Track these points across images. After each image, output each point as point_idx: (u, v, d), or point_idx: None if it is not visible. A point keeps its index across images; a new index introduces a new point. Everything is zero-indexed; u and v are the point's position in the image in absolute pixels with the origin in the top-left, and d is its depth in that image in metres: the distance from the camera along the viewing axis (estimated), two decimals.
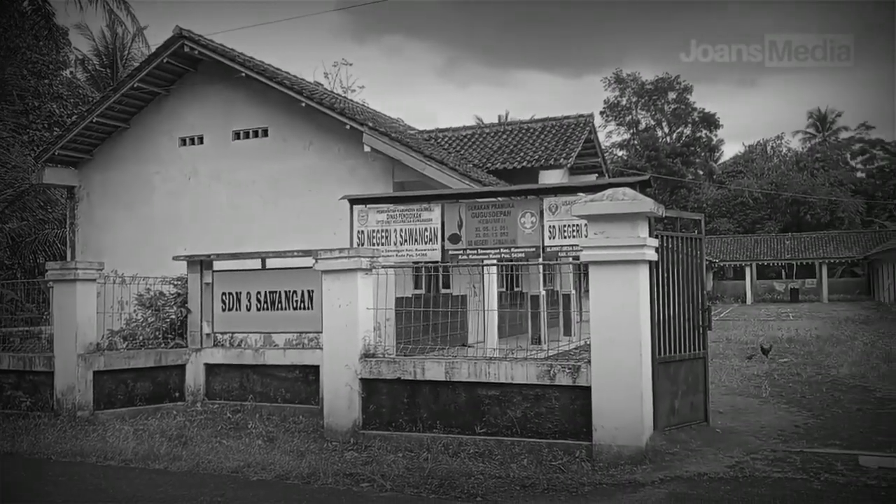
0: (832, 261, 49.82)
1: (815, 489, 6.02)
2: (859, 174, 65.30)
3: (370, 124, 14.40)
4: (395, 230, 10.73)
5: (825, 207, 57.22)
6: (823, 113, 69.51)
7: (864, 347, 16.56)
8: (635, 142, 67.78)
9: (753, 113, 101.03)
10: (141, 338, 10.45)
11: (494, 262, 10.91)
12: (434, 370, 7.94)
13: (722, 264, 51.61)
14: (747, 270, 50.70)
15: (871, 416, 9.15)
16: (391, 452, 7.52)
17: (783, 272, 54.64)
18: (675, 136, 69.01)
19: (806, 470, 6.56)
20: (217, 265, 10.61)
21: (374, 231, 10.85)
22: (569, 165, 21.55)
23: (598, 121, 66.49)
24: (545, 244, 10.51)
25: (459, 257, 10.69)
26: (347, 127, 14.38)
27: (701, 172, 67.28)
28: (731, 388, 11.29)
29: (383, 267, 8.86)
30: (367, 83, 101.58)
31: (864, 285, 51.61)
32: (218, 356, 10.37)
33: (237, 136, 16.06)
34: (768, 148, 68.49)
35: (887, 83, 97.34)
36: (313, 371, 9.62)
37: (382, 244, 10.67)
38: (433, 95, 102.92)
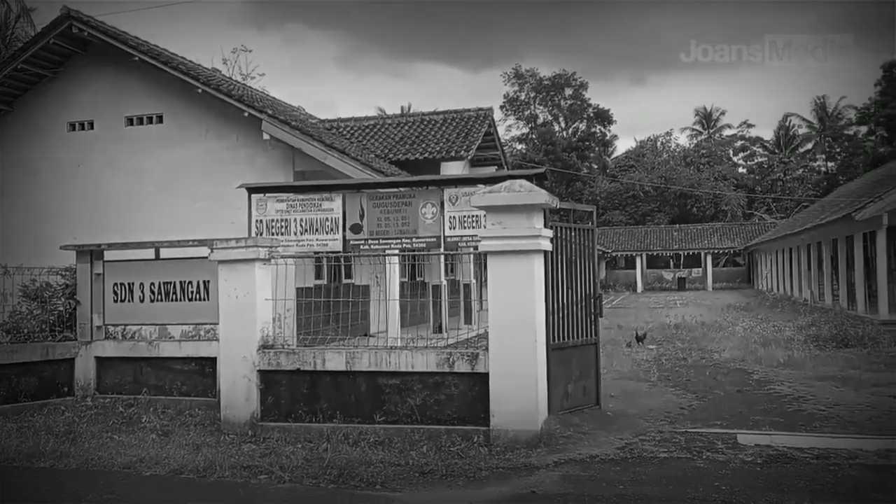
0: (716, 251, 52.62)
1: (697, 467, 6.39)
2: (741, 169, 69.01)
3: (269, 112, 14.14)
4: (296, 220, 10.59)
5: (710, 201, 60.31)
6: (709, 111, 73.04)
7: (743, 332, 17.60)
8: (533, 136, 69.17)
9: (644, 110, 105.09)
10: (26, 331, 9.93)
11: (396, 252, 10.95)
12: (335, 360, 7.93)
13: (614, 254, 53.53)
14: (638, 260, 52.83)
15: (749, 397, 9.77)
16: (290, 444, 7.48)
17: (671, 262, 57.18)
18: (571, 131, 70.85)
19: (690, 449, 6.95)
20: (108, 255, 10.20)
21: (273, 221, 10.68)
22: (469, 157, 21.86)
23: (497, 115, 67.25)
24: (446, 234, 10.63)
25: (361, 247, 10.67)
26: (246, 114, 14.07)
27: (595, 166, 69.43)
28: (622, 373, 11.79)
29: (282, 257, 8.76)
30: (268, 71, 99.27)
31: (744, 274, 54.71)
32: (109, 349, 10.00)
33: (130, 122, 15.44)
34: (658, 144, 71.31)
35: (765, 85, 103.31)
36: (210, 363, 9.42)
37: (282, 234, 10.52)
38: (334, 85, 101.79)
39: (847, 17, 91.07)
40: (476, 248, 9.36)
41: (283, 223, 10.57)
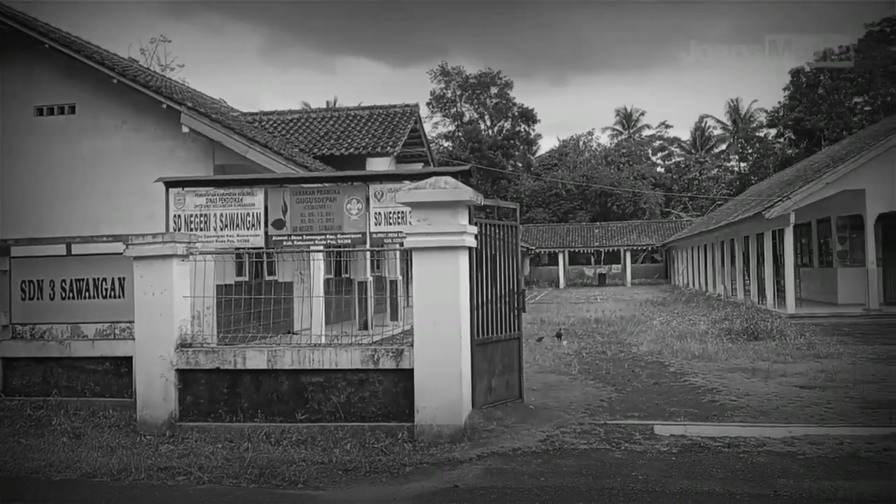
0: (635, 248, 54.16)
1: (616, 458, 6.56)
2: (659, 169, 71.16)
3: (189, 104, 13.77)
4: (216, 215, 10.35)
5: (630, 199, 61.94)
6: (629, 112, 75.00)
7: (660, 326, 18.15)
8: (460, 133, 69.54)
9: (567, 110, 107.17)
10: None
11: (321, 248, 10.84)
12: (256, 359, 7.80)
13: (538, 251, 54.43)
14: (560, 257, 53.86)
15: (666, 389, 10.08)
16: (210, 444, 7.31)
17: (592, 258, 58.60)
18: (496, 129, 71.54)
19: (609, 440, 7.13)
20: (15, 251, 9.76)
21: (192, 216, 10.40)
22: (395, 154, 21.81)
23: (424, 111, 67.37)
24: (371, 231, 10.59)
25: (284, 243, 10.52)
26: (164, 106, 13.67)
27: (520, 164, 70.35)
28: (544, 367, 12.00)
29: (202, 253, 8.55)
30: (188, 62, 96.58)
31: (662, 270, 56.49)
32: (17, 349, 9.57)
33: (40, 112, 14.79)
34: (580, 143, 72.80)
35: (681, 87, 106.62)
36: (126, 363, 9.12)
37: (201, 229, 10.26)
38: (257, 78, 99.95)
39: (758, 23, 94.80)
40: (402, 244, 9.35)
41: (202, 218, 10.31)
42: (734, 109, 69.72)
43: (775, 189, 28.40)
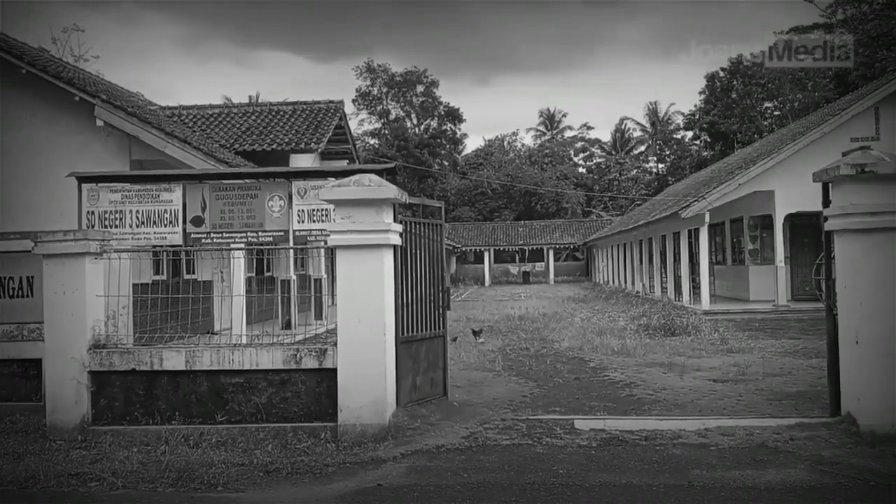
0: (558, 246, 55.13)
1: (538, 453, 6.66)
2: (581, 169, 72.71)
3: (103, 97, 13.29)
4: (131, 212, 10.02)
5: (553, 198, 63.05)
6: (552, 113, 76.32)
7: (581, 323, 18.55)
8: (386, 131, 69.38)
9: (491, 110, 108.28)
10: None
11: (241, 246, 10.63)
12: (174, 360, 7.59)
13: (464, 249, 54.79)
14: (486, 255, 54.37)
15: (586, 384, 10.31)
16: (125, 448, 7.07)
17: (517, 256, 59.36)
18: (422, 127, 71.67)
19: (531, 435, 7.23)
20: None
21: (106, 212, 10.04)
22: (319, 150, 21.59)
23: (350, 108, 66.94)
24: (294, 228, 10.46)
25: (203, 241, 10.27)
26: (77, 98, 13.15)
27: (446, 163, 70.68)
28: (469, 364, 12.09)
29: (116, 251, 8.26)
30: (103, 54, 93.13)
31: (583, 268, 57.70)
32: None
33: None
34: (505, 143, 73.69)
35: (602, 90, 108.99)
36: (35, 365, 8.71)
37: (116, 227, 9.92)
38: (175, 71, 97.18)
39: (676, 28, 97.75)
40: (326, 242, 9.26)
41: (117, 215, 9.97)
42: (653, 112, 71.87)
43: (691, 189, 29.38)
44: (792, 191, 20.74)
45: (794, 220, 22.36)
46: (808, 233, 22.70)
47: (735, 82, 60.04)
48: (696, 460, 6.30)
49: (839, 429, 6.96)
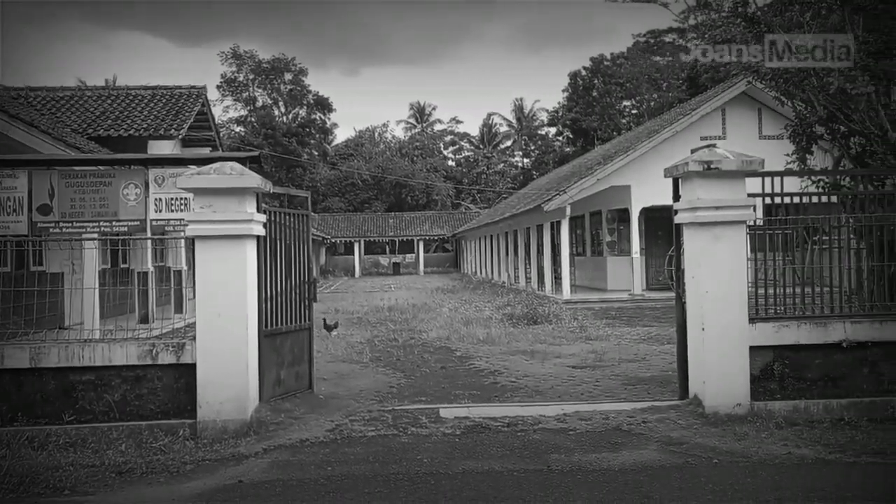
0: (428, 238, 55.68)
1: (403, 442, 6.69)
2: (450, 162, 73.69)
3: None
4: None
5: (423, 190, 63.56)
6: (422, 106, 76.82)
7: (449, 313, 18.82)
8: (253, 119, 67.47)
9: (361, 100, 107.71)
10: None
11: (94, 236, 10.04)
12: (16, 357, 7.06)
13: (334, 240, 54.27)
14: (356, 246, 54.09)
15: (452, 373, 10.47)
16: None
17: (387, 248, 59.41)
18: (291, 116, 70.23)
19: (396, 426, 7.25)
20: None
21: None
22: (180, 137, 20.72)
23: (214, 95, 64.64)
24: (151, 218, 10.01)
25: (51, 231, 9.62)
26: None
27: (316, 153, 69.65)
28: (336, 356, 11.99)
29: None
30: None
31: (452, 259, 58.58)
32: None
33: None
34: (376, 134, 73.49)
35: (470, 85, 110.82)
36: None
37: None
38: (22, 49, 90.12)
39: (542, 27, 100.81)
40: (185, 232, 8.90)
41: None
42: (519, 108, 73.89)
43: (554, 184, 30.42)
44: (647, 186, 21.91)
45: (648, 214, 23.63)
46: (661, 226, 24.09)
47: (596, 81, 62.76)
48: (556, 445, 6.54)
49: (687, 410, 7.42)
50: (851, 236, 8.34)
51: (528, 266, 29.57)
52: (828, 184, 9.12)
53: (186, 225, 7.41)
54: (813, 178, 9.12)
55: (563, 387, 9.26)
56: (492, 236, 37.47)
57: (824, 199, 8.31)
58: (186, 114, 21.04)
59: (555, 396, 8.67)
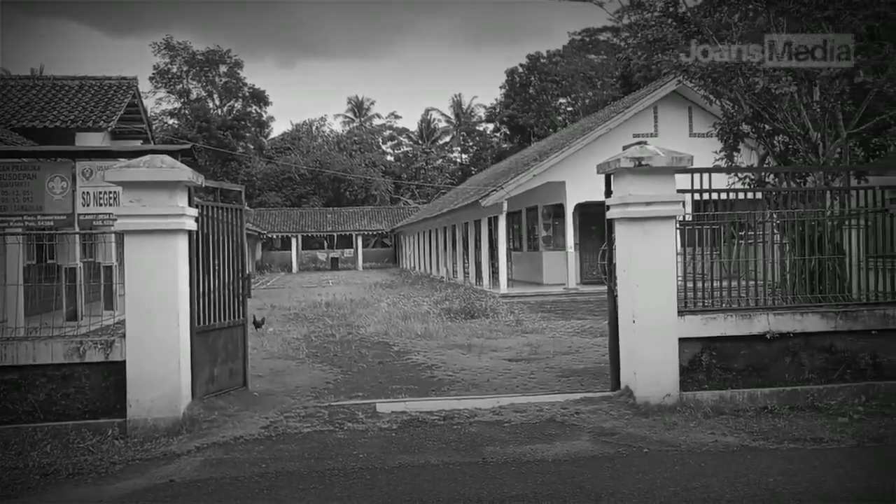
0: (366, 233, 55.40)
1: (339, 438, 6.65)
2: (389, 157, 73.47)
3: None
4: None
5: (361, 185, 63.16)
6: (360, 100, 76.34)
7: (387, 308, 18.79)
8: (186, 111, 65.94)
9: (298, 94, 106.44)
10: None
11: (18, 230, 9.69)
12: None
13: (270, 235, 53.50)
14: (294, 241, 53.45)
15: (390, 368, 10.47)
16: None
17: (325, 243, 58.88)
18: (226, 109, 68.92)
19: (332, 422, 7.20)
20: None
21: None
22: (110, 129, 20.16)
23: (147, 86, 62.93)
24: (79, 212, 9.72)
25: None
26: None
27: (252, 147, 68.49)
28: (272, 353, 11.85)
29: None
30: None
31: (391, 254, 58.46)
32: None
33: None
34: (313, 128, 72.68)
35: (408, 80, 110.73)
36: None
37: None
38: None
39: (479, 24, 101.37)
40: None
41: None
42: (457, 104, 74.12)
43: (491, 180, 30.67)
44: (581, 182, 22.26)
45: (583, 209, 24.03)
46: (595, 221, 24.52)
47: (532, 78, 63.46)
48: (491, 437, 6.60)
49: (619, 401, 7.58)
50: (775, 231, 8.66)
51: (466, 261, 29.74)
52: (753, 180, 9.46)
53: (115, 219, 7.21)
54: (739, 174, 9.44)
55: (499, 380, 9.35)
56: (431, 231, 37.54)
57: (750, 195, 8.60)
58: (116, 105, 20.44)
59: (491, 389, 8.75)
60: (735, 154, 10.23)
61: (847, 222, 8.82)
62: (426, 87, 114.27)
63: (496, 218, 23.83)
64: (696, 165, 7.59)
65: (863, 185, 8.53)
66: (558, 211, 25.38)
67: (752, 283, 8.22)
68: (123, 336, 6.93)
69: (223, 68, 68.00)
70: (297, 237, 53.77)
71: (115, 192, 9.40)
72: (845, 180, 8.82)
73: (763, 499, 4.98)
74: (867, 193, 8.23)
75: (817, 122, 9.08)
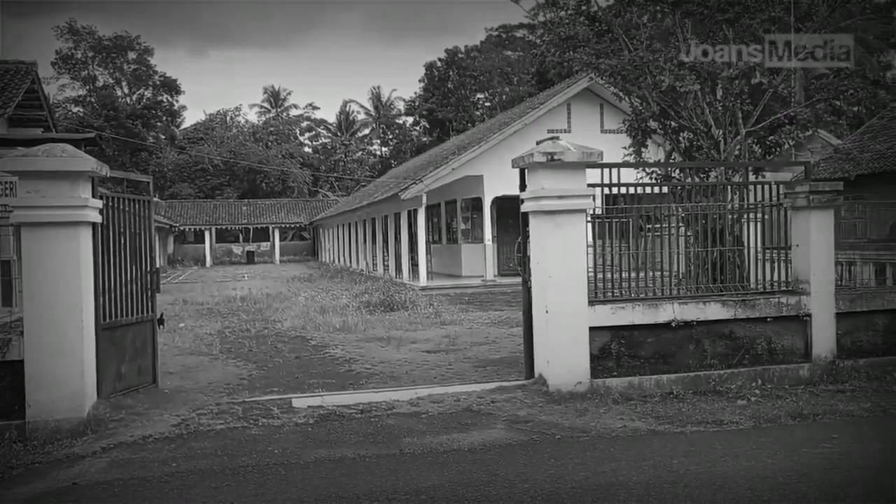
0: (284, 225, 54.50)
1: (253, 434, 6.54)
2: (307, 149, 72.40)
3: None
4: None
5: (278, 177, 62.07)
6: (277, 90, 74.89)
7: (305, 302, 18.57)
8: (92, 99, 63.23)
9: (210, 83, 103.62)
10: None
11: None
12: None
13: (182, 228, 51.95)
14: (207, 234, 52.04)
15: (307, 362, 10.36)
16: None
17: (241, 236, 57.65)
18: (135, 97, 66.50)
19: (246, 418, 7.08)
20: None
21: None
22: (6, 116, 19.09)
23: (49, 72, 60.04)
24: None
25: None
26: None
27: (163, 137, 66.28)
28: (184, 349, 11.54)
29: None
30: None
31: (310, 247, 57.73)
32: None
33: None
34: (228, 118, 70.89)
35: (326, 71, 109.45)
36: None
37: None
38: None
39: (396, 16, 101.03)
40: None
41: None
42: (376, 97, 73.64)
43: (411, 173, 30.66)
44: (498, 176, 22.54)
45: (500, 203, 24.33)
46: (512, 214, 24.86)
47: (451, 73, 63.70)
48: (409, 428, 6.63)
49: (533, 389, 7.74)
50: (680, 224, 9.00)
51: (386, 254, 29.66)
52: (660, 175, 9.80)
53: (11, 211, 6.86)
54: (647, 169, 9.76)
55: (417, 371, 9.39)
56: (350, 224, 37.25)
57: (657, 189, 8.90)
58: (13, 91, 19.38)
59: (409, 381, 8.78)
60: (643, 150, 10.57)
61: (746, 216, 9.25)
62: (345, 79, 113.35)
63: (415, 211, 23.85)
64: (606, 160, 7.80)
65: (760, 181, 8.97)
66: (477, 204, 25.61)
67: (658, 273, 8.52)
68: (22, 334, 6.62)
69: (132, 55, 65.53)
70: (210, 230, 52.38)
71: (12, 182, 8.93)
72: (745, 176, 9.24)
73: (667, 480, 5.18)
74: (764, 188, 8.66)
75: (719, 119, 9.48)
